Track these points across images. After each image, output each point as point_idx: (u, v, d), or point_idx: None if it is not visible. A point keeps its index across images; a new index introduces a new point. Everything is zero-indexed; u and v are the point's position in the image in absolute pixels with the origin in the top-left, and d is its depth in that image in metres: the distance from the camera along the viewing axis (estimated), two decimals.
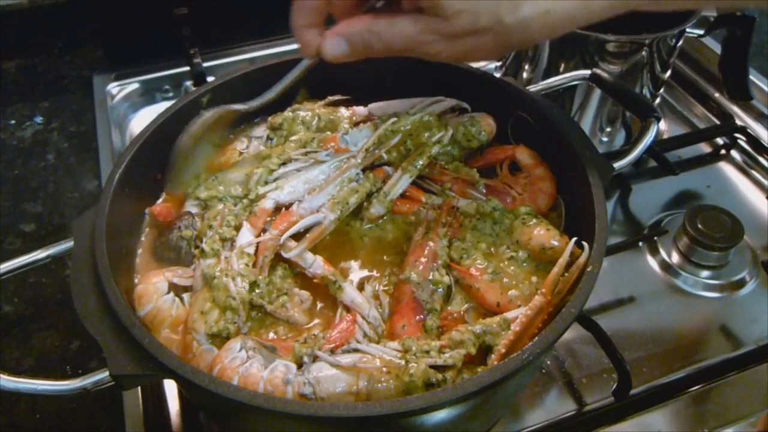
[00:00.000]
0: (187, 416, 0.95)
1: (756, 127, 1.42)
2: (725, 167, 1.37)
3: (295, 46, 1.55)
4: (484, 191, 0.92)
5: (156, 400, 0.96)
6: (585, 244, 0.78)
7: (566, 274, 0.77)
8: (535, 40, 0.73)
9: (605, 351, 0.98)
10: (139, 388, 0.94)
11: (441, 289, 0.82)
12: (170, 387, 0.97)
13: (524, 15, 0.68)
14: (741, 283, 1.13)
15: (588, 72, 1.03)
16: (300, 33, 0.78)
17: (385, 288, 0.84)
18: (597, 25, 1.05)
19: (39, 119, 1.45)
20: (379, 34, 0.72)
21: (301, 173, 0.91)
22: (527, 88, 1.01)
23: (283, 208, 0.89)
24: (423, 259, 0.83)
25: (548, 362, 1.02)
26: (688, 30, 1.21)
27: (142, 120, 1.41)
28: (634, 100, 0.96)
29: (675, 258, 1.16)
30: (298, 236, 0.87)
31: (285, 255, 0.83)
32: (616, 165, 0.90)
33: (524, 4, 0.68)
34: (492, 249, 0.86)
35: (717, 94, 1.49)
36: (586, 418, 0.96)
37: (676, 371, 1.01)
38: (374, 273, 0.88)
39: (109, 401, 0.96)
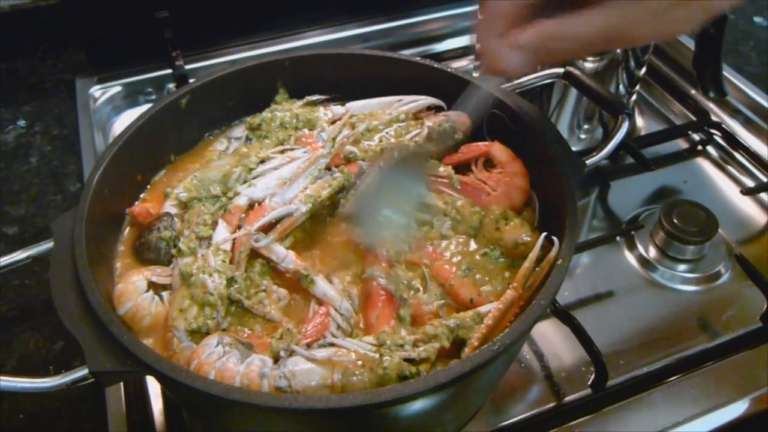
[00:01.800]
0: (170, 415, 0.95)
1: (731, 123, 1.45)
2: (702, 163, 1.39)
3: (274, 48, 1.59)
4: (459, 188, 0.94)
5: (139, 399, 0.96)
6: (555, 239, 0.79)
7: (537, 269, 0.79)
8: None
9: (582, 344, 0.99)
10: (122, 387, 0.95)
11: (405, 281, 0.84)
12: (153, 386, 0.98)
13: None
14: (717, 276, 1.15)
15: (561, 70, 1.04)
16: (486, 45, 0.71)
17: (350, 282, 0.86)
18: None
19: (22, 123, 1.46)
20: (569, 34, 0.66)
21: (278, 171, 0.92)
22: (502, 86, 1.02)
23: (256, 204, 0.90)
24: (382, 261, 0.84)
25: (527, 356, 1.04)
26: None
27: (124, 122, 1.39)
28: (605, 97, 0.97)
29: (652, 252, 1.18)
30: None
31: (255, 245, 0.84)
32: (588, 161, 0.92)
33: None
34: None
35: (693, 91, 1.51)
36: (565, 410, 0.98)
37: (654, 363, 1.03)
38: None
39: (92, 401, 0.96)
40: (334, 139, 0.92)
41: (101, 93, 1.47)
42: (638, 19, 0.63)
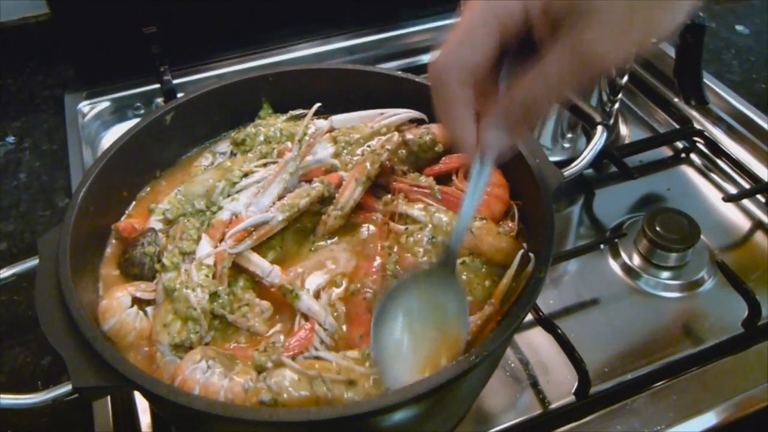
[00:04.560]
0: (158, 430, 0.96)
1: (714, 131, 1.46)
2: (685, 170, 1.40)
3: (262, 62, 1.60)
4: (440, 198, 0.95)
5: (126, 414, 0.97)
6: (531, 255, 0.80)
7: (514, 284, 0.80)
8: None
9: (564, 352, 1.00)
10: (110, 402, 0.96)
11: None
12: (141, 401, 0.98)
13: None
14: (700, 283, 1.16)
15: None
16: (455, 124, 0.65)
17: (340, 296, 0.86)
18: None
19: (11, 139, 1.47)
20: (536, 96, 0.60)
21: (261, 184, 0.93)
22: None
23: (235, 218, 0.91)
24: (373, 271, 0.85)
25: (513, 365, 1.05)
26: None
27: (113, 137, 1.39)
28: (583, 109, 0.99)
29: (636, 260, 1.19)
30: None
31: (230, 251, 0.85)
32: (566, 173, 0.93)
33: None
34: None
35: (676, 99, 1.53)
36: (550, 417, 0.98)
37: (638, 369, 1.04)
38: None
39: (80, 415, 0.97)
40: (300, 140, 0.93)
41: (90, 108, 1.48)
42: (596, 43, 0.57)
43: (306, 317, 0.83)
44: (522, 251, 0.83)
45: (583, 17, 0.56)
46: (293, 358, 0.77)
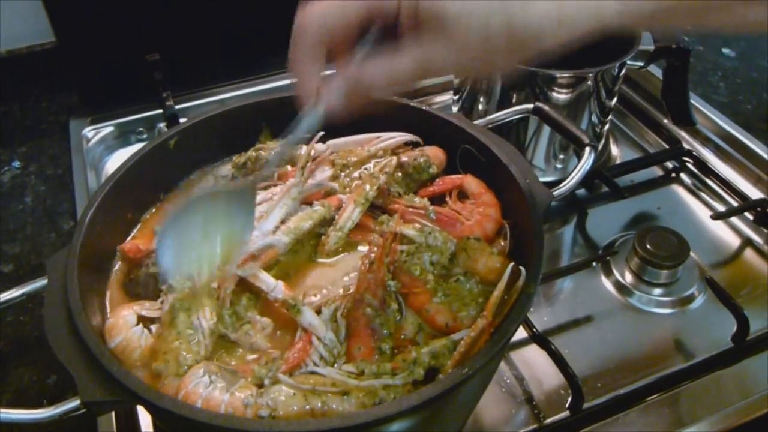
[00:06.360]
0: None
1: (702, 151, 1.50)
2: (675, 189, 1.44)
3: (262, 87, 1.64)
4: (435, 218, 0.98)
5: (130, 431, 0.99)
6: (522, 268, 0.83)
7: (506, 297, 0.83)
8: (549, 43, 0.64)
9: (558, 368, 1.03)
10: (114, 419, 0.98)
11: (392, 310, 0.87)
12: (144, 417, 1.00)
13: (537, 13, 0.61)
14: (690, 299, 1.19)
15: (531, 106, 1.10)
16: (299, 71, 0.72)
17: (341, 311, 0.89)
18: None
19: (17, 164, 1.50)
20: (378, 81, 0.67)
21: (260, 206, 0.96)
22: (475, 122, 1.08)
23: None
24: (373, 288, 0.87)
25: (508, 381, 1.07)
26: (628, 62, 1.29)
27: (117, 161, 1.44)
28: (571, 131, 1.02)
29: (628, 278, 1.22)
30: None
31: (239, 274, 0.87)
32: (556, 192, 0.96)
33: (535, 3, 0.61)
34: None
35: (665, 120, 1.57)
36: None
37: (630, 384, 1.06)
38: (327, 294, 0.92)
39: None
40: (303, 167, 0.96)
41: (94, 133, 1.51)
42: (436, 54, 0.64)
43: (307, 332, 0.85)
44: (512, 264, 0.86)
45: (439, 25, 0.63)
46: (291, 371, 0.80)
